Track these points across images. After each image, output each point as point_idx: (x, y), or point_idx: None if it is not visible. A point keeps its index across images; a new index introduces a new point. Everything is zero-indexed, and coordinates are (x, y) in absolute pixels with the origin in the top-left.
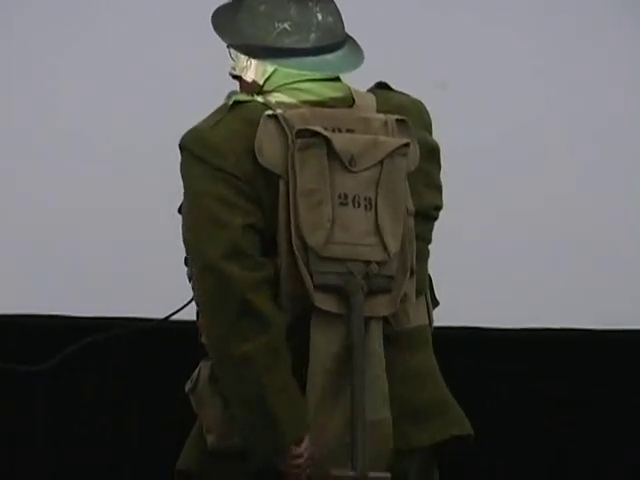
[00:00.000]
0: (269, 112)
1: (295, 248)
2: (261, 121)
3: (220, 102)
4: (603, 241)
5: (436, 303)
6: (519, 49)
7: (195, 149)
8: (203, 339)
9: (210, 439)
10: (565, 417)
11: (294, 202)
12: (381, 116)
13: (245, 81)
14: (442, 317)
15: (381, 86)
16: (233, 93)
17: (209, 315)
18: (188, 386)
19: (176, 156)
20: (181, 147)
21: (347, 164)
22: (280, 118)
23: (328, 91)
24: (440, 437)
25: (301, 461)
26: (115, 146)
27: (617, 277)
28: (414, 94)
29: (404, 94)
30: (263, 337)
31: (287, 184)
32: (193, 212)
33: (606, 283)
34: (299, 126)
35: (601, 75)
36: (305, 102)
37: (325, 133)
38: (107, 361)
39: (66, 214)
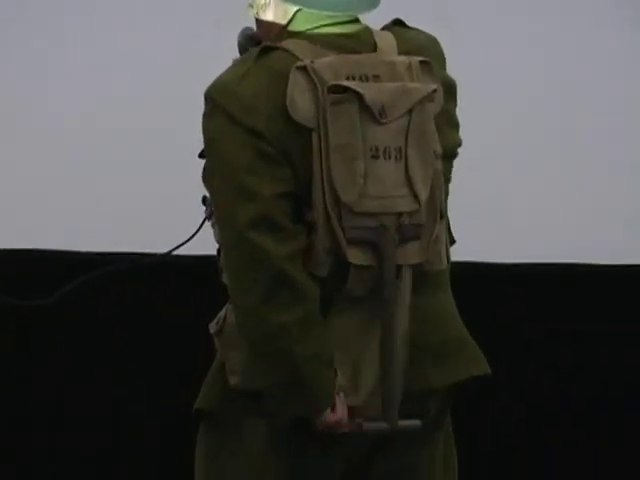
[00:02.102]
0: (298, 64)
1: (328, 204)
2: (291, 74)
3: None
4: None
5: (452, 241)
6: None
7: (224, 103)
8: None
9: (234, 380)
10: (570, 352)
11: (326, 157)
12: (404, 59)
13: (263, 21)
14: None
15: (396, 23)
16: (248, 29)
17: (240, 285)
18: (214, 328)
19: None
20: (207, 99)
21: (377, 116)
22: (309, 70)
23: (351, 34)
24: (461, 377)
25: (338, 422)
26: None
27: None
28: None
29: (420, 31)
30: (300, 308)
31: (319, 138)
32: (220, 179)
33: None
34: (329, 77)
35: None
36: (331, 48)
37: (357, 89)
38: (108, 297)
39: (65, 149)
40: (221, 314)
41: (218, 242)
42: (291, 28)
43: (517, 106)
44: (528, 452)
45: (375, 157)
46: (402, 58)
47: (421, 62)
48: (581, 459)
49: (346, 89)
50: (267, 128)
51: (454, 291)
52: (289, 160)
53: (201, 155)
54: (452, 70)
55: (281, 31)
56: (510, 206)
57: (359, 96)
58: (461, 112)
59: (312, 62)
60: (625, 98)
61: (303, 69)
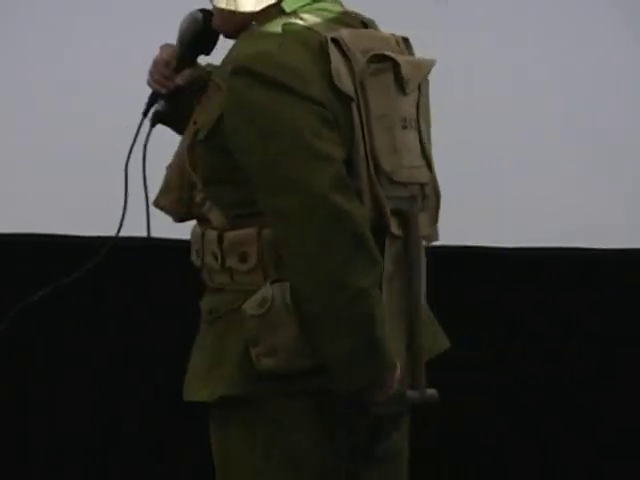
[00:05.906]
0: (332, 36)
1: (371, 173)
2: (330, 47)
3: None
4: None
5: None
6: None
7: (274, 73)
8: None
9: (272, 361)
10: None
11: (368, 127)
12: (390, 35)
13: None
14: None
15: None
16: (198, 12)
17: (316, 250)
18: (257, 310)
19: None
20: (247, 71)
21: (405, 86)
22: (342, 42)
23: (344, 12)
24: (442, 348)
25: (394, 385)
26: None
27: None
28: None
29: None
30: (376, 271)
31: (359, 108)
32: (287, 145)
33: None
34: (355, 50)
35: None
36: (337, 23)
37: (396, 58)
38: (107, 295)
39: (79, 132)
40: (266, 295)
41: (285, 234)
42: (288, 4)
43: (517, 95)
44: (526, 450)
45: (405, 127)
46: (389, 34)
47: (403, 38)
48: (580, 458)
49: (385, 59)
50: (323, 97)
51: (457, 275)
52: (339, 130)
53: (207, 136)
54: (450, 61)
55: (268, 11)
56: (511, 191)
57: (396, 66)
58: (462, 102)
59: (341, 35)
60: (625, 96)
61: (337, 42)
